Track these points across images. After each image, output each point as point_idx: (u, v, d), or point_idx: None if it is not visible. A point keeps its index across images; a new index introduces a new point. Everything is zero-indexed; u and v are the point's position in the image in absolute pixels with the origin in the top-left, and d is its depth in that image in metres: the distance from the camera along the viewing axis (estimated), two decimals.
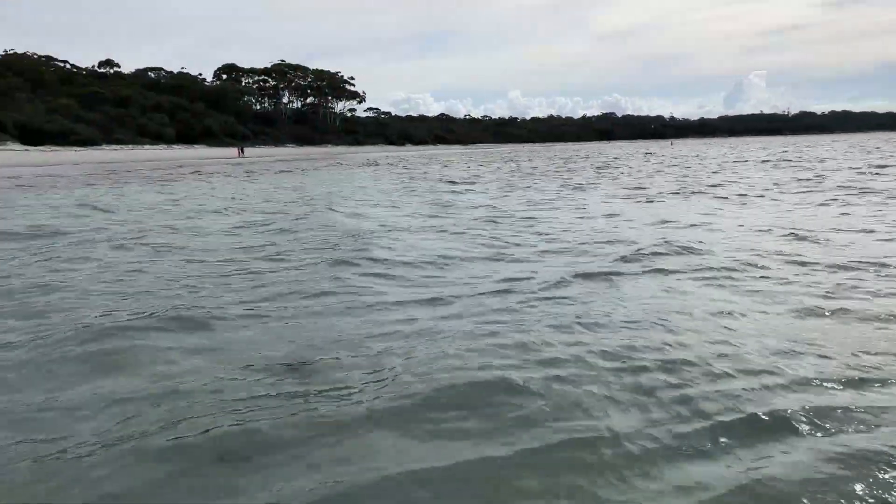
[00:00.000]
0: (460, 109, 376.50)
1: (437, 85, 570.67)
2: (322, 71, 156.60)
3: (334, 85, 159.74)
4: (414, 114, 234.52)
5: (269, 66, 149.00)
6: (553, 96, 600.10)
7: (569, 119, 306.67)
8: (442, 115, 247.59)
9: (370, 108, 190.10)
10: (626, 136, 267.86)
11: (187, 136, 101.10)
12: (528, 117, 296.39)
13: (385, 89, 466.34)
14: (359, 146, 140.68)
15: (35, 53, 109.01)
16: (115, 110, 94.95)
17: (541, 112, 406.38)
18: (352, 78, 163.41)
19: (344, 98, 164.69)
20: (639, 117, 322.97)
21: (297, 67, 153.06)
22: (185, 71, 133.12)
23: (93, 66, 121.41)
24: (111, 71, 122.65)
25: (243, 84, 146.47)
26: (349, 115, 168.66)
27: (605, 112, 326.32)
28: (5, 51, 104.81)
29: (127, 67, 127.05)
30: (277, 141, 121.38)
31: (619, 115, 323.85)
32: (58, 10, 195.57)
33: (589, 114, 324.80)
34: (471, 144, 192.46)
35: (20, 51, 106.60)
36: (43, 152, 64.09)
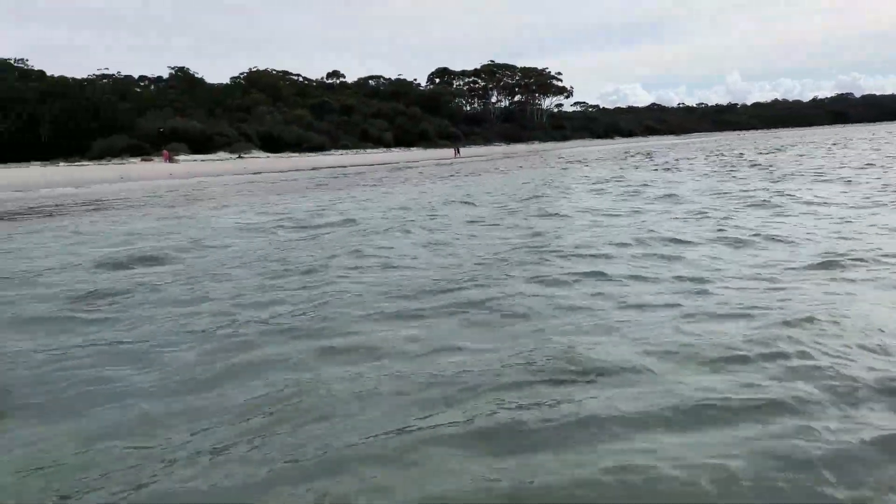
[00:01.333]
0: (672, 98, 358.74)
1: (647, 74, 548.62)
2: (529, 68, 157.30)
3: (541, 82, 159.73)
4: (623, 105, 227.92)
5: (478, 67, 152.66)
6: (777, 78, 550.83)
7: (797, 102, 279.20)
8: (653, 104, 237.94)
9: (577, 103, 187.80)
10: (866, 119, 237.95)
11: (404, 140, 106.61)
12: (748, 103, 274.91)
13: (593, 82, 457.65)
14: (564, 141, 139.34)
15: (274, 69, 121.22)
16: (340, 118, 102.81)
17: (762, 97, 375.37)
18: (559, 73, 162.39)
19: (551, 94, 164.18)
20: (882, 97, 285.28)
21: (505, 67, 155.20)
22: (401, 77, 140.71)
23: (321, 78, 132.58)
24: (337, 81, 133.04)
25: (454, 87, 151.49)
26: (555, 110, 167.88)
27: (840, 93, 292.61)
28: (250, 69, 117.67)
29: (350, 77, 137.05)
30: (486, 140, 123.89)
31: (858, 95, 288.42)
32: (291, 28, 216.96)
33: (821, 95, 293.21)
34: (684, 134, 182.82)
35: (262, 68, 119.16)
36: (282, 158, 70.94)
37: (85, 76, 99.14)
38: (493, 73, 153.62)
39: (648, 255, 9.51)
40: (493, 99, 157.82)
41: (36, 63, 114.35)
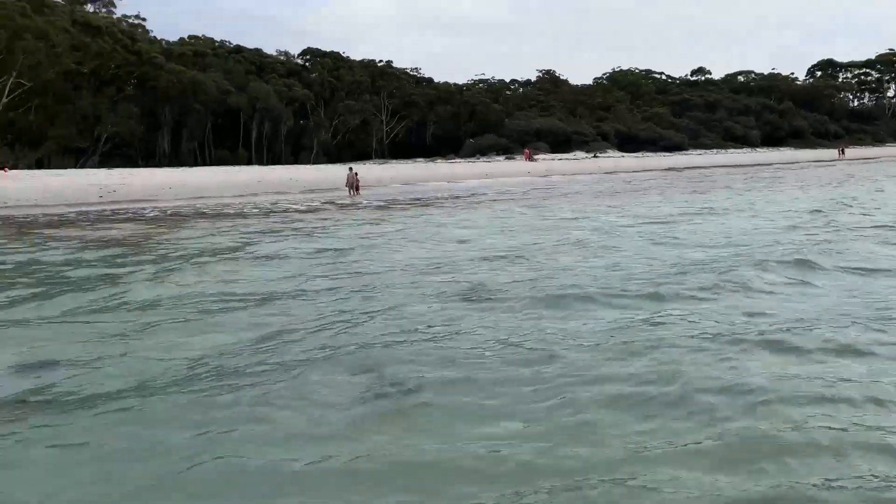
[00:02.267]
0: None
1: None
2: None
3: None
4: None
5: (872, 57, 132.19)
6: None
7: None
8: None
9: None
10: None
11: (772, 139, 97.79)
12: None
13: None
14: None
15: (637, 68, 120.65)
16: (703, 115, 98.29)
17: None
18: None
19: None
20: None
21: None
22: (775, 71, 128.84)
23: (685, 76, 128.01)
24: (702, 78, 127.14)
25: (840, 80, 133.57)
26: None
27: None
28: (613, 69, 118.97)
29: (717, 73, 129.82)
30: (878, 139, 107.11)
31: None
32: (656, 26, 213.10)
33: None
34: None
35: (625, 67, 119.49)
36: (636, 158, 70.57)
37: (464, 81, 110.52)
38: (891, 62, 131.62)
39: None
40: (891, 93, 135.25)
41: (427, 71, 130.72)
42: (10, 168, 46.40)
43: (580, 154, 73.38)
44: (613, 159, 68.14)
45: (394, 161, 76.68)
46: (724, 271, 9.60)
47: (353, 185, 31.68)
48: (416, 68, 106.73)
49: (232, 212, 23.34)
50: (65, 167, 53.58)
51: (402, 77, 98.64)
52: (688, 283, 8.91)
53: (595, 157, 71.27)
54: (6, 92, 50.39)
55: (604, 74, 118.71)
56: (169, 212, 23.39)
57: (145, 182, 34.65)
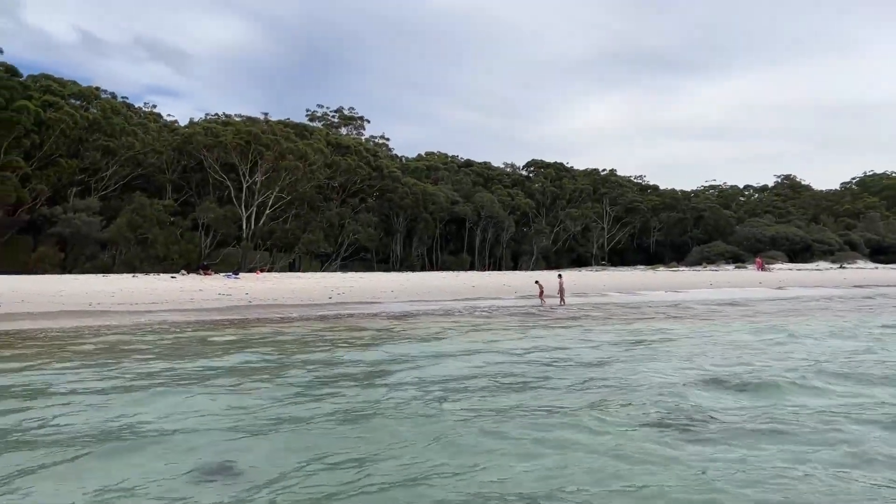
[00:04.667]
0: None
1: None
2: None
3: None
4: None
5: None
6: None
7: None
8: None
9: None
10: None
11: None
12: None
13: None
14: None
15: (892, 172, 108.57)
16: None
17: None
18: None
19: None
20: None
21: None
22: None
23: None
24: None
25: None
26: None
27: None
28: (864, 172, 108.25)
29: None
30: None
31: None
32: None
33: None
34: None
35: (878, 171, 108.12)
36: (893, 269, 62.30)
37: (693, 188, 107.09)
38: None
39: None
40: None
41: (652, 178, 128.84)
42: (263, 271, 53.10)
43: (823, 264, 66.56)
44: (865, 271, 60.72)
45: (612, 268, 75.42)
46: None
47: (560, 291, 31.57)
48: (641, 175, 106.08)
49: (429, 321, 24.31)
50: (312, 270, 60.08)
51: (625, 184, 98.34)
52: None
53: (842, 267, 64.13)
54: (269, 204, 58.36)
55: (852, 179, 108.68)
56: (383, 314, 25.00)
57: (371, 285, 37.50)
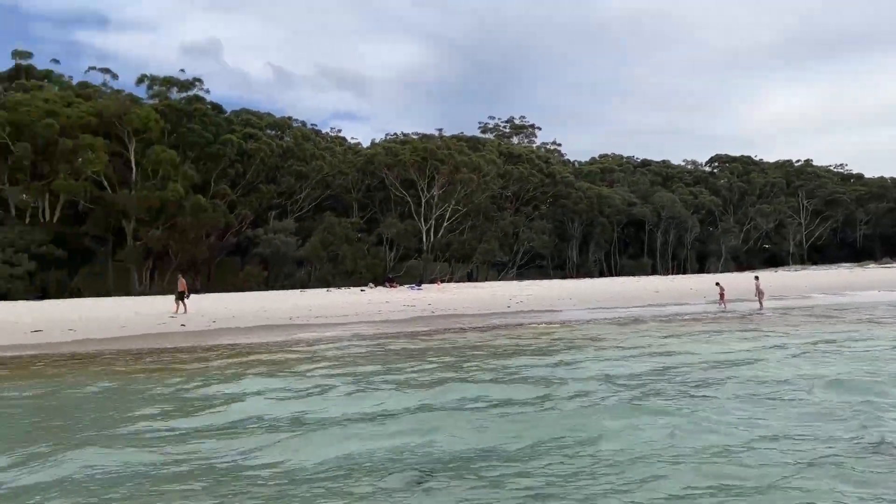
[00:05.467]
0: None
1: None
2: None
3: None
4: None
5: None
6: None
7: None
8: None
9: None
10: None
11: None
12: None
13: None
14: None
15: None
16: None
17: None
18: None
19: None
20: None
21: None
22: None
23: None
24: None
25: None
26: None
27: None
28: None
29: None
30: None
31: None
32: None
33: None
34: None
35: None
36: None
37: None
38: None
39: None
40: None
41: (854, 166, 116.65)
42: (443, 281, 54.59)
43: None
44: None
45: (812, 266, 68.98)
46: None
47: (759, 294, 29.27)
48: (841, 164, 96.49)
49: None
50: (489, 278, 60.92)
51: (822, 175, 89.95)
52: None
53: None
54: (447, 216, 60.04)
55: None
56: (560, 322, 24.61)
57: (548, 293, 37.19)
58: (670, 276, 64.41)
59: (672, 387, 11.21)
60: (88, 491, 6.75)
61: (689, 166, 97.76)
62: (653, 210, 76.02)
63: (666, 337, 18.77)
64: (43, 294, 42.50)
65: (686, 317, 25.72)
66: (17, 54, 56.49)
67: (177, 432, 8.98)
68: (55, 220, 47.87)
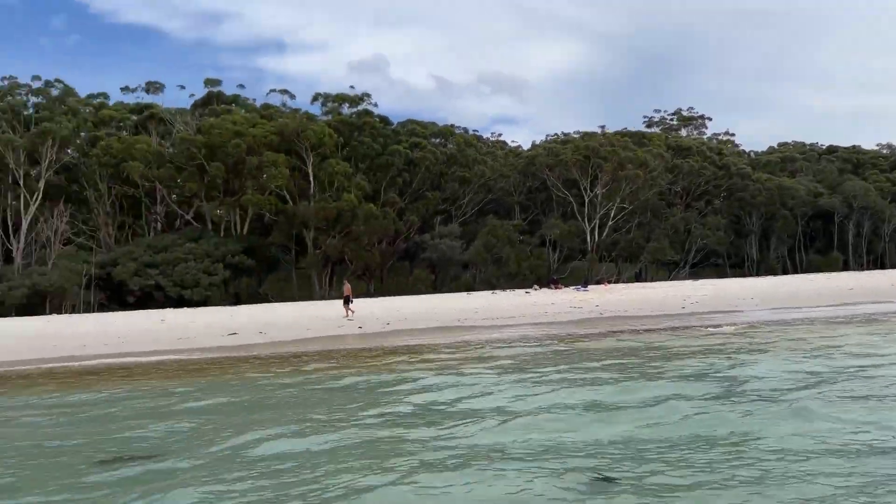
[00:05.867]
0: None
1: None
2: None
3: None
4: None
5: None
6: None
7: None
8: None
9: None
10: None
11: None
12: None
13: None
14: None
15: None
16: None
17: None
18: None
19: None
20: None
21: None
22: None
23: None
24: None
25: None
26: None
27: None
28: None
29: None
30: None
31: None
32: None
33: None
34: None
35: None
36: None
37: None
38: None
39: None
40: None
41: None
42: (610, 282, 53.16)
43: None
44: None
45: None
46: None
47: None
48: None
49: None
50: (659, 279, 58.53)
51: None
52: None
53: None
54: (611, 215, 58.48)
55: None
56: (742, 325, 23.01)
57: (726, 292, 34.99)
58: (866, 272, 58.32)
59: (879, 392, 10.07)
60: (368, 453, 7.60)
61: (884, 151, 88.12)
62: (842, 200, 69.25)
63: (869, 336, 16.96)
64: (236, 300, 46.62)
65: (892, 315, 23.12)
66: (208, 82, 62.65)
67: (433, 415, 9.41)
68: (245, 231, 52.43)
